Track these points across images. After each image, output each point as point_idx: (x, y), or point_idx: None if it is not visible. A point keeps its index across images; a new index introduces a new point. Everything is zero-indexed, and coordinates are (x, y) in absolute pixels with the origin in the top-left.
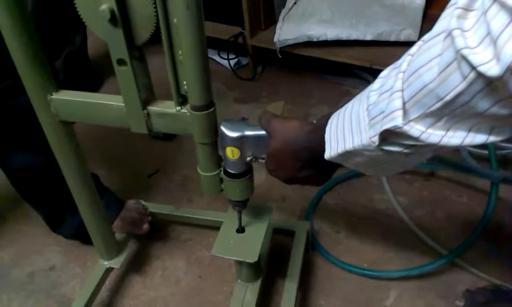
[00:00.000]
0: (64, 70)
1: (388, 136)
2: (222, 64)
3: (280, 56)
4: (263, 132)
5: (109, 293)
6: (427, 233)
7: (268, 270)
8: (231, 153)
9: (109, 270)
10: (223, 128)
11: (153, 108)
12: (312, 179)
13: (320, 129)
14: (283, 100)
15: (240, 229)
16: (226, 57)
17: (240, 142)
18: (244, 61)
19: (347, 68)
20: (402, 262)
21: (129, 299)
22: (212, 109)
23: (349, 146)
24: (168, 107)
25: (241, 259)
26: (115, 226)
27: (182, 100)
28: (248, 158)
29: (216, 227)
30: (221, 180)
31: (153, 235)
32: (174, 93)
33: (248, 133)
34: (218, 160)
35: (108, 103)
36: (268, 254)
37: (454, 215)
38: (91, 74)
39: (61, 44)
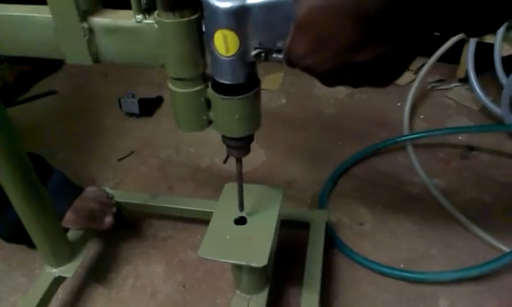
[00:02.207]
0: None
1: None
2: None
3: None
4: None
5: None
6: (476, 223)
7: (276, 275)
8: (223, 42)
9: (59, 280)
10: None
11: (98, 19)
12: (379, 64)
13: None
14: (282, 72)
15: (242, 208)
16: None
17: (239, 19)
18: None
19: None
20: (449, 261)
21: None
22: (196, 16)
23: None
24: (123, 17)
25: (243, 263)
26: (67, 221)
27: (146, 6)
28: (254, 52)
29: (204, 220)
30: (208, 104)
31: (122, 233)
32: None
33: (252, 0)
34: (203, 68)
35: (28, 16)
36: (276, 252)
37: (504, 199)
38: None
39: None
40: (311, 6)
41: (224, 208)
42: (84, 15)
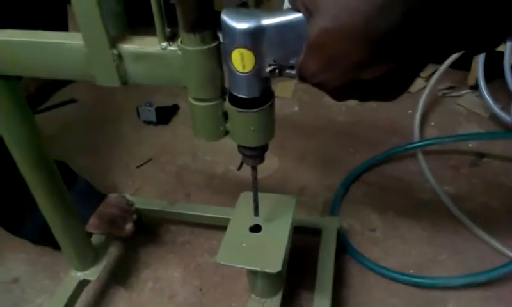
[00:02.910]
0: None
1: None
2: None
3: None
4: (293, 16)
5: None
6: (485, 229)
7: (289, 280)
8: (240, 60)
9: (83, 283)
10: (225, 18)
11: (126, 46)
12: (385, 81)
13: None
14: (294, 79)
15: (257, 213)
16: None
17: (255, 39)
18: None
19: None
20: (458, 266)
21: None
22: (216, 43)
23: None
24: (149, 44)
25: (259, 269)
26: (90, 226)
27: (171, 34)
28: (268, 69)
29: (221, 226)
30: (226, 116)
31: (141, 238)
32: (158, 23)
33: (267, 21)
34: (222, 86)
35: (62, 43)
36: (288, 258)
37: None
38: None
39: None
40: (322, 27)
41: (240, 217)
42: (114, 42)
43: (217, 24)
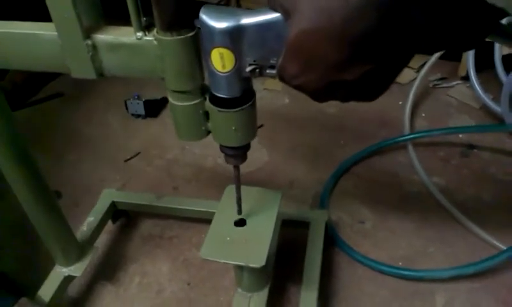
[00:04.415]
0: None
1: None
2: None
3: None
4: (273, 15)
5: None
6: (474, 221)
7: (276, 274)
8: (219, 60)
9: (68, 279)
10: (204, 17)
11: (101, 36)
12: (365, 82)
13: None
14: None
15: (240, 211)
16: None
17: (234, 38)
18: None
19: None
20: (447, 259)
21: None
22: (193, 33)
23: None
24: (124, 34)
25: (243, 264)
26: None
27: (146, 24)
28: (249, 68)
29: (209, 220)
30: (207, 115)
31: (129, 232)
32: (133, 12)
33: (247, 20)
34: (202, 82)
35: (35, 34)
36: (276, 253)
37: (504, 197)
38: None
39: None
40: (300, 29)
41: (224, 211)
42: (88, 32)
43: (196, 14)
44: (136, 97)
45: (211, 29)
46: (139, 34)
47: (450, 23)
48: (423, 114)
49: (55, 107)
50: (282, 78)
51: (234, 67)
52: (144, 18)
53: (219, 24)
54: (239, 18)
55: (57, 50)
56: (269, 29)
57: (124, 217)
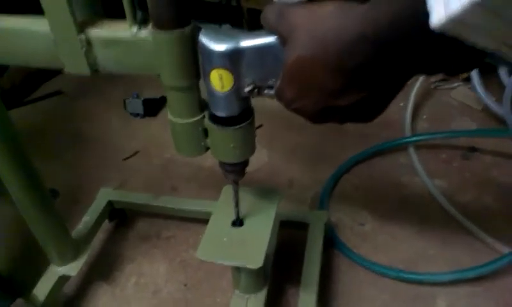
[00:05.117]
0: None
1: None
2: None
3: None
4: (270, 39)
5: None
6: (476, 224)
7: (274, 275)
8: (219, 81)
9: (63, 278)
10: (203, 40)
11: (95, 31)
12: (360, 107)
13: None
14: None
15: (238, 221)
16: (217, 24)
17: (233, 60)
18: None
19: None
20: (448, 262)
21: None
22: (189, 27)
23: None
24: (119, 29)
25: (240, 265)
26: None
27: (142, 18)
28: (247, 89)
29: (207, 220)
30: (206, 132)
31: (126, 232)
32: (127, 6)
33: (245, 43)
34: (200, 102)
35: (27, 29)
36: (274, 254)
37: (506, 201)
38: None
39: None
40: (298, 56)
41: (222, 211)
42: (82, 27)
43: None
44: (135, 96)
45: (210, 51)
46: (134, 29)
47: (446, 52)
48: (424, 116)
49: (54, 105)
50: (280, 101)
51: (233, 87)
52: (140, 12)
53: (219, 46)
54: (237, 41)
55: (50, 46)
56: (267, 52)
57: (121, 216)
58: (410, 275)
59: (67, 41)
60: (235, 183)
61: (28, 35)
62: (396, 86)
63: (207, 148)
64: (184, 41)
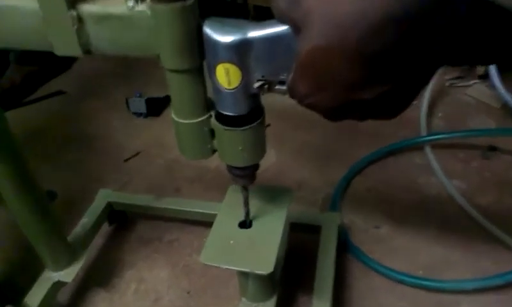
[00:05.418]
0: None
1: None
2: None
3: None
4: (281, 28)
5: None
6: (500, 226)
7: (285, 282)
8: (225, 76)
9: (58, 284)
10: (207, 31)
11: (87, 7)
12: (383, 101)
13: None
14: None
15: (247, 223)
16: None
17: (240, 53)
18: None
19: None
20: (472, 268)
21: None
22: (192, 1)
23: None
24: (114, 3)
25: (248, 270)
26: None
27: None
28: (256, 85)
29: (211, 223)
30: (212, 133)
31: (125, 235)
32: None
33: (254, 34)
34: (206, 99)
35: (13, 6)
36: (284, 258)
37: None
38: None
39: None
40: (313, 45)
41: (228, 211)
42: (72, 2)
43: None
44: (138, 95)
45: (216, 43)
46: (131, 3)
47: (487, 35)
48: (440, 114)
49: (55, 105)
50: (293, 96)
51: (241, 83)
52: None
53: (224, 38)
54: (245, 31)
55: (39, 24)
56: (278, 43)
57: (121, 219)
58: (432, 283)
59: (57, 19)
60: (245, 189)
61: (14, 12)
62: (424, 77)
63: (214, 151)
64: (186, 14)
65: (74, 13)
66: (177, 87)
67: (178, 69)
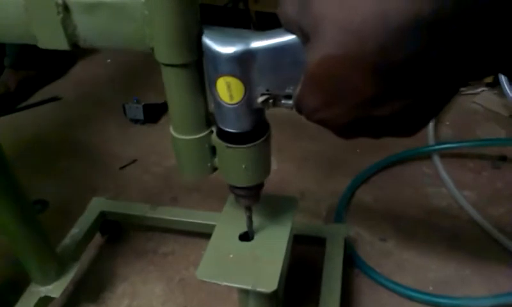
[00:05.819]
0: None
1: None
2: None
3: None
4: (287, 38)
5: None
6: None
7: (288, 298)
8: (227, 90)
9: (45, 300)
10: (207, 42)
11: None
12: (402, 118)
13: None
14: None
15: (251, 235)
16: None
17: (243, 65)
18: None
19: None
20: (484, 283)
21: None
22: None
23: None
24: None
25: (249, 287)
26: None
27: None
28: (260, 99)
29: (209, 234)
30: (214, 150)
31: (118, 247)
32: None
33: (257, 44)
34: (207, 114)
35: None
36: (287, 272)
37: None
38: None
39: None
40: (325, 55)
41: (227, 222)
42: None
43: None
44: (135, 101)
45: (216, 55)
46: None
47: None
48: (447, 122)
49: (50, 111)
50: (300, 112)
51: (243, 98)
52: None
53: (225, 49)
54: (248, 42)
55: (22, 14)
56: (284, 54)
57: (114, 229)
58: (445, 300)
59: (40, 7)
60: (248, 209)
61: None
62: (449, 91)
63: (215, 168)
64: (184, 4)
65: (60, 0)
66: (174, 85)
67: (174, 63)
